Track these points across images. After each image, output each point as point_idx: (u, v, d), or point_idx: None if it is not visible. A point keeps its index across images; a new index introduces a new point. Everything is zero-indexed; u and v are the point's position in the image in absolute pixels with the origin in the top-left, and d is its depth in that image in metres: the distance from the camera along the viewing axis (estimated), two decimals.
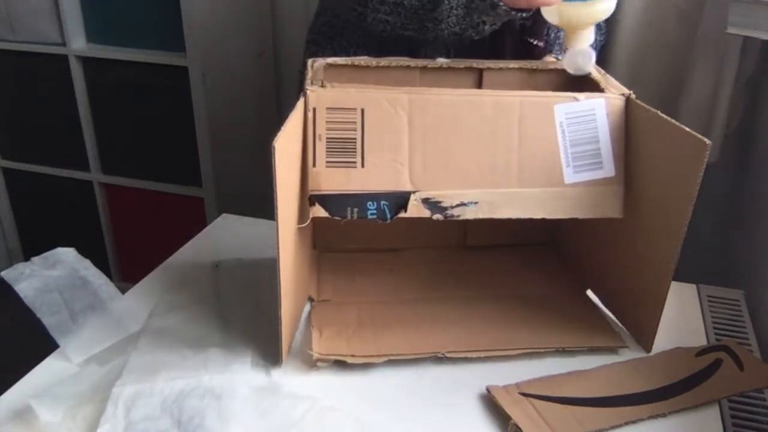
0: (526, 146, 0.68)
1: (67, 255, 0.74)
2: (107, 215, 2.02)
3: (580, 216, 0.70)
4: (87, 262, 0.74)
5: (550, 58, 0.83)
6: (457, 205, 0.67)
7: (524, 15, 0.79)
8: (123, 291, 0.79)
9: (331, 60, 0.74)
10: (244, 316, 0.75)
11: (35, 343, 0.69)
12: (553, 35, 0.92)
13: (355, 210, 0.66)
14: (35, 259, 0.74)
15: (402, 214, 0.67)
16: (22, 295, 0.69)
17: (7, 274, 0.70)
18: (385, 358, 0.68)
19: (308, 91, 0.65)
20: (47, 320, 0.69)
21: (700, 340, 0.75)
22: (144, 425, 0.58)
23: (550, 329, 0.73)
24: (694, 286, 0.85)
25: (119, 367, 0.65)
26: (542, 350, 0.70)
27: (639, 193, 0.69)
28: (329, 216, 0.66)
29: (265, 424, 0.59)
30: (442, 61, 0.76)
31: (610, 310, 0.77)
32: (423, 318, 0.75)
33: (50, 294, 0.71)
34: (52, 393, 0.62)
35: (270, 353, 0.69)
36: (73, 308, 0.71)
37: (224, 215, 0.99)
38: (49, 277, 0.72)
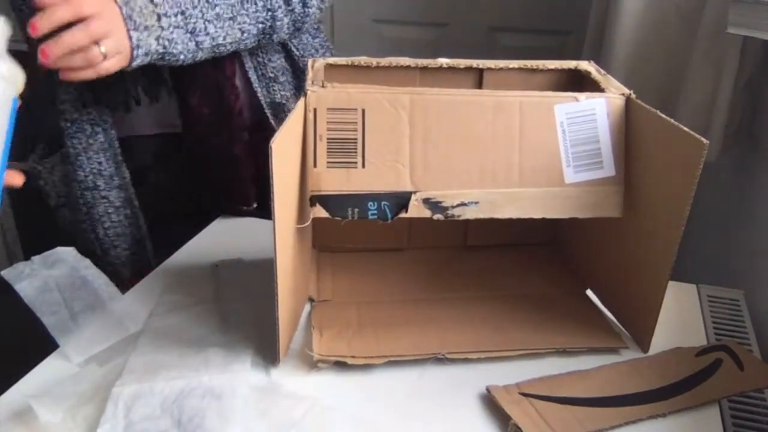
0: (526, 146, 0.68)
1: (67, 254, 0.74)
2: None
3: (580, 216, 0.70)
4: (87, 262, 0.74)
5: None
6: (458, 205, 0.67)
7: None
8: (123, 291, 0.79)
9: (331, 60, 0.74)
10: (244, 316, 0.75)
11: (35, 343, 0.69)
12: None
13: (356, 210, 0.66)
14: (35, 258, 0.74)
15: (403, 215, 0.67)
16: (22, 294, 0.69)
17: (7, 274, 0.70)
18: (386, 359, 0.68)
19: (309, 92, 0.65)
20: (47, 320, 0.69)
21: (700, 340, 0.75)
22: (144, 425, 0.58)
23: (550, 329, 0.73)
24: (694, 286, 0.85)
25: (119, 367, 0.65)
26: (542, 350, 0.70)
27: (638, 193, 0.69)
28: (330, 216, 0.66)
29: (265, 424, 0.59)
30: (442, 61, 0.76)
31: (610, 310, 0.77)
32: (423, 318, 0.75)
33: (50, 293, 0.71)
34: (52, 393, 0.62)
35: (270, 353, 0.69)
36: (73, 308, 0.71)
37: (224, 215, 0.99)
38: (49, 276, 0.72)
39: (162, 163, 0.97)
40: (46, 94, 0.89)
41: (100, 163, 0.89)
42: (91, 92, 0.86)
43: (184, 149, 0.95)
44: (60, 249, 0.74)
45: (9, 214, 2.16)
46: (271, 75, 0.92)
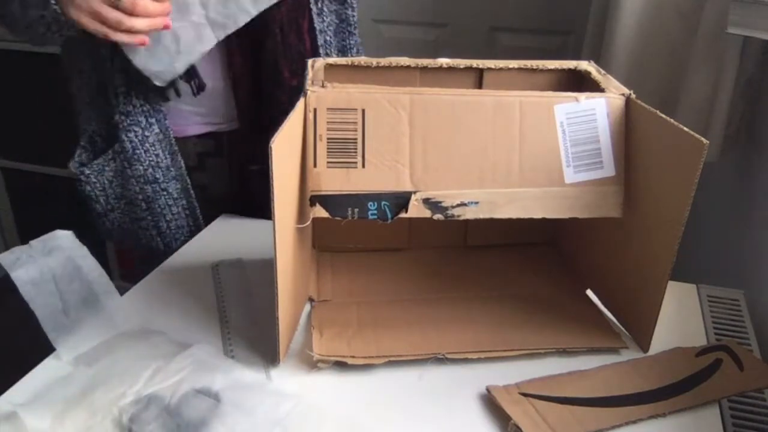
0: (526, 146, 0.68)
1: (65, 239, 0.72)
2: None
3: (580, 216, 0.70)
4: (84, 250, 0.73)
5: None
6: (458, 205, 0.67)
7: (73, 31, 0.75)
8: (123, 291, 0.78)
9: (331, 60, 0.74)
10: (243, 316, 0.75)
11: (35, 343, 0.68)
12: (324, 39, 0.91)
13: (356, 210, 0.66)
14: (33, 242, 0.72)
15: (403, 215, 0.67)
16: (18, 283, 0.68)
17: (4, 259, 0.69)
18: (386, 359, 0.68)
19: (309, 92, 0.65)
20: (40, 313, 0.68)
21: (700, 340, 0.75)
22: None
23: (550, 329, 0.73)
24: (694, 286, 0.85)
25: (108, 368, 0.65)
26: (542, 350, 0.70)
27: (638, 193, 0.69)
28: (330, 216, 0.66)
29: (249, 421, 0.59)
30: (442, 61, 0.76)
31: (610, 310, 0.77)
32: (423, 318, 0.75)
33: (45, 284, 0.70)
34: (41, 397, 0.62)
35: (269, 353, 0.69)
36: (67, 301, 0.70)
37: (224, 215, 0.99)
38: (46, 265, 0.71)
39: (206, 164, 0.97)
40: (96, 90, 0.90)
41: (157, 155, 0.90)
42: (142, 82, 0.86)
43: (228, 149, 0.96)
44: (59, 232, 0.72)
45: (9, 214, 2.17)
46: None
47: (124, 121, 0.88)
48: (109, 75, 0.87)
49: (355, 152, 0.66)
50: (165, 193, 0.93)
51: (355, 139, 0.66)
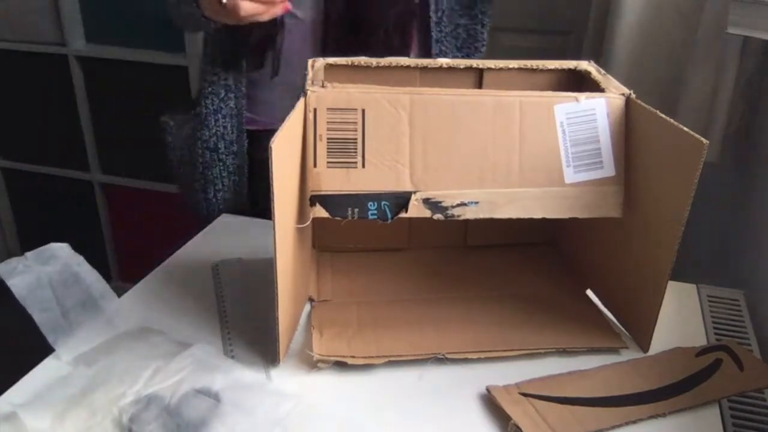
0: (526, 146, 0.68)
1: (61, 251, 0.73)
2: (107, 215, 2.02)
3: (580, 216, 0.70)
4: (80, 258, 0.74)
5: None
6: (458, 205, 0.67)
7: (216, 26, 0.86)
8: (122, 291, 0.78)
9: (331, 60, 0.74)
10: (243, 316, 0.75)
11: (35, 343, 0.68)
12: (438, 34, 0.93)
13: (356, 210, 0.66)
14: (29, 254, 0.73)
15: (403, 214, 0.67)
16: (14, 290, 0.68)
17: (0, 269, 0.69)
18: (386, 359, 0.68)
19: (309, 92, 0.65)
20: (38, 317, 0.68)
21: (700, 340, 0.75)
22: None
23: (550, 329, 0.73)
24: (694, 286, 0.85)
25: (107, 368, 0.65)
26: (542, 350, 0.70)
27: (638, 193, 0.69)
28: (330, 216, 0.66)
29: (249, 421, 0.59)
30: (442, 61, 0.76)
31: (610, 310, 0.77)
32: (423, 318, 0.75)
33: (42, 290, 0.70)
34: (41, 398, 0.62)
35: (269, 353, 0.69)
36: (65, 305, 0.71)
37: (224, 215, 0.99)
38: (42, 272, 0.71)
39: None
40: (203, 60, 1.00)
41: (225, 127, 0.97)
42: (229, 57, 0.94)
43: None
44: (54, 245, 0.73)
45: (9, 214, 2.17)
46: None
47: (207, 88, 0.97)
48: (209, 46, 0.97)
49: (355, 152, 0.66)
50: (221, 164, 0.99)
51: (355, 139, 0.66)
